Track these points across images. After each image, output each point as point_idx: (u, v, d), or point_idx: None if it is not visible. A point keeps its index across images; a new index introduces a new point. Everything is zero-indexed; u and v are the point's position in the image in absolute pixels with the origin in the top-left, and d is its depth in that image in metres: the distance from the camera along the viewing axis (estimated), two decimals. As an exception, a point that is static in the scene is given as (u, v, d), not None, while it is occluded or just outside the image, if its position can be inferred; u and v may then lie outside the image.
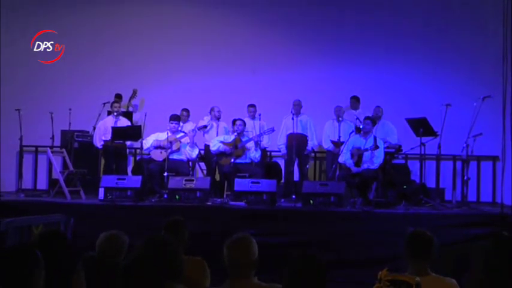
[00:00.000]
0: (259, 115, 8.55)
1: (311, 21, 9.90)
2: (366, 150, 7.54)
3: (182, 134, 8.01)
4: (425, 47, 9.54)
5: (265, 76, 9.88)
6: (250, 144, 8.01)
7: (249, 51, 9.98)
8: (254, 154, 7.97)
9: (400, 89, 9.61)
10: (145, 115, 8.26)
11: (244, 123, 8.14)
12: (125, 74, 9.90)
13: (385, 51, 9.67)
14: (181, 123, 8.40)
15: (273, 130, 8.14)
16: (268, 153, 9.38)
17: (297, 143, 8.24)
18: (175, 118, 8.05)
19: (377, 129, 8.20)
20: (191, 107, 9.10)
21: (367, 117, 7.91)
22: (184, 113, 8.92)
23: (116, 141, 8.18)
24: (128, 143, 8.55)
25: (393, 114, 8.83)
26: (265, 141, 8.51)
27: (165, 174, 7.57)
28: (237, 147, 7.96)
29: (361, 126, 7.94)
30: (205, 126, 8.37)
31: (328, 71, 9.85)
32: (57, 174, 8.04)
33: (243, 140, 8.04)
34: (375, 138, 7.61)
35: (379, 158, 7.58)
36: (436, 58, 9.52)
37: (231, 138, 8.11)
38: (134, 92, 9.63)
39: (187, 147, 7.94)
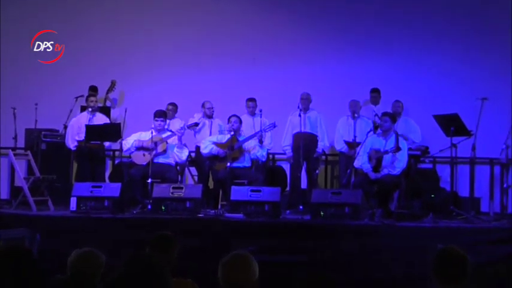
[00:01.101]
0: (260, 111, 8.56)
1: (321, 6, 9.91)
2: (386, 152, 7.54)
3: (169, 133, 8.02)
4: (456, 32, 9.51)
5: (267, 68, 9.88)
6: (250, 144, 8.00)
7: (248, 40, 9.99)
8: (261, 152, 7.98)
9: (424, 81, 9.57)
10: (126, 111, 8.26)
11: (240, 120, 8.13)
12: (102, 62, 9.90)
13: (406, 39, 9.66)
14: (167, 121, 8.41)
15: (274, 126, 8.12)
16: (271, 156, 9.38)
17: (304, 143, 8.24)
18: (160, 114, 8.04)
19: (397, 128, 8.19)
20: (180, 102, 9.11)
21: (384, 113, 7.90)
22: (170, 107, 8.91)
23: (91, 142, 8.18)
24: (106, 143, 8.55)
25: (415, 110, 8.83)
26: (266, 142, 8.51)
27: (149, 180, 7.57)
28: (233, 148, 7.96)
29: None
30: (196, 124, 8.34)
31: (342, 61, 9.83)
32: (20, 181, 8.04)
33: (240, 139, 8.04)
34: (396, 138, 7.61)
35: (401, 161, 7.58)
36: (468, 46, 9.47)
37: (225, 137, 8.11)
38: (113, 84, 9.63)
39: (175, 149, 7.94)
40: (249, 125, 8.51)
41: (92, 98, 8.55)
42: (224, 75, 9.84)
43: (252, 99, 8.79)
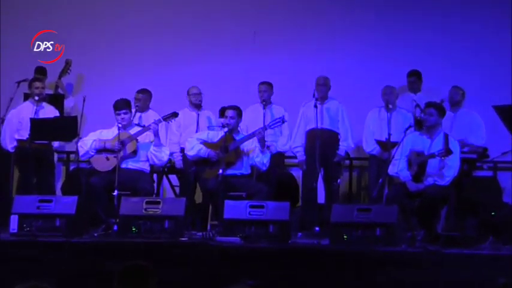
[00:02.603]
0: (264, 101, 8.61)
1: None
2: (432, 156, 7.53)
3: (139, 128, 7.99)
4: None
5: (271, 46, 9.98)
6: (251, 145, 8.00)
7: (247, 11, 10.06)
8: (261, 158, 7.97)
9: (480, 61, 9.64)
10: (84, 100, 8.20)
11: (240, 114, 8.12)
12: (53, 35, 9.90)
13: (452, 12, 9.76)
14: (138, 114, 8.43)
15: (282, 121, 8.10)
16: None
17: (322, 144, 8.23)
18: (122, 105, 7.88)
19: (453, 123, 8.22)
20: (157, 91, 9.10)
21: (429, 104, 7.87)
22: (140, 95, 8.91)
23: (36, 141, 8.18)
24: (56, 144, 8.58)
25: (471, 100, 8.87)
26: (280, 143, 8.63)
27: (115, 192, 7.57)
28: (227, 149, 7.95)
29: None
30: (174, 114, 8.21)
31: (371, 37, 9.92)
32: None
33: (237, 138, 8.04)
34: (445, 137, 7.61)
35: (452, 168, 7.58)
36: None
37: (218, 135, 8.11)
38: (67, 64, 9.65)
39: (152, 148, 7.88)
40: (259, 118, 8.47)
41: (38, 84, 8.52)
42: (216, 56, 9.93)
43: (266, 83, 8.81)
